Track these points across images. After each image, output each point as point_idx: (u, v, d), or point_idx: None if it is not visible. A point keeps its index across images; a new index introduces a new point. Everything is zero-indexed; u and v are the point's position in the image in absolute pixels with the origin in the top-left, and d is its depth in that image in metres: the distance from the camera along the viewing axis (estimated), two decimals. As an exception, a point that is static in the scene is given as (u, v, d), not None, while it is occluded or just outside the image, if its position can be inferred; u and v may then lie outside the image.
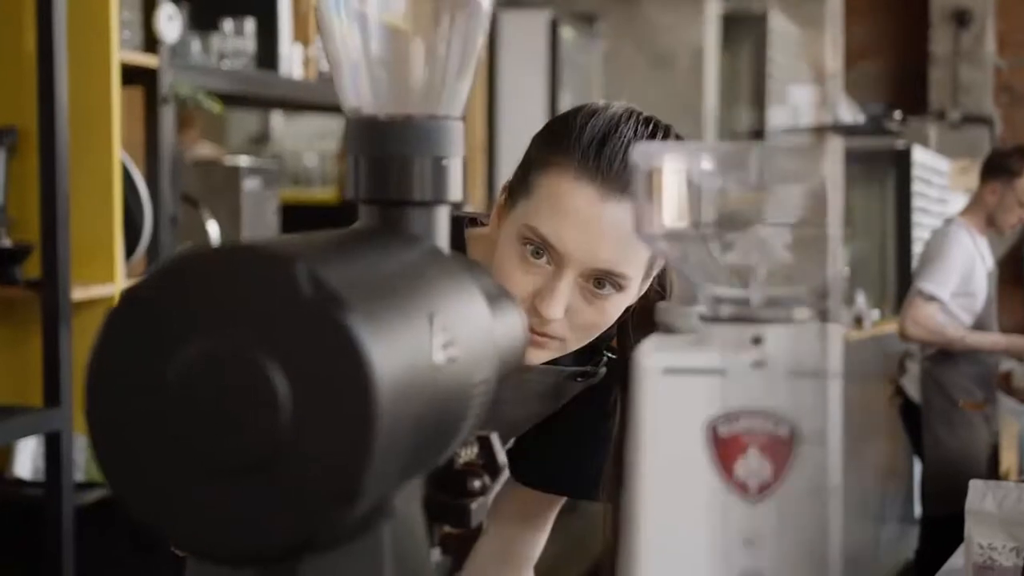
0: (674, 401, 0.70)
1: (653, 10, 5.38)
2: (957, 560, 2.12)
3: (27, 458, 2.58)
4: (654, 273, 1.32)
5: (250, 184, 3.08)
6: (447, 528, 0.89)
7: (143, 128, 2.70)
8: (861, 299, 6.34)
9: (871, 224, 6.79)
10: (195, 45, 2.95)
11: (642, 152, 0.71)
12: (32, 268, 2.39)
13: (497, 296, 0.87)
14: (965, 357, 4.39)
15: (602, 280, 1.24)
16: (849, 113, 5.89)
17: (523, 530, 1.54)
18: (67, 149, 2.37)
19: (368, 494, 0.62)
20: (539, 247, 1.24)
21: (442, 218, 0.82)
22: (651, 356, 0.70)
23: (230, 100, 3.34)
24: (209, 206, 3.06)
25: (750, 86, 7.26)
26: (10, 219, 2.43)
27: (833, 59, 5.69)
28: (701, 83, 5.59)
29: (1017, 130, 9.64)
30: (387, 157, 0.80)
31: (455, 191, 0.82)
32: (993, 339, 4.53)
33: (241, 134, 5.56)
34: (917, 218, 7.10)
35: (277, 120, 5.49)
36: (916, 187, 7.02)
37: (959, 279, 4.33)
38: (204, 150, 4.33)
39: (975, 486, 2.03)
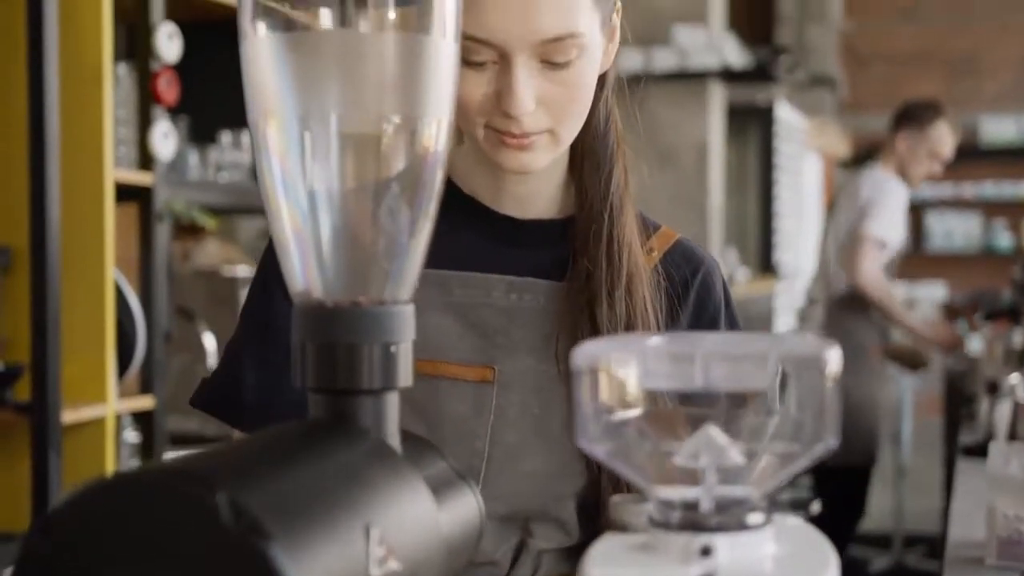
0: (619, 616, 0.67)
1: (658, 107, 5.41)
2: (976, 532, 1.92)
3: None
4: (614, 17, 1.20)
5: (248, 295, 3.07)
6: None
7: (138, 244, 2.69)
8: (732, 256, 6.28)
9: (734, 180, 6.78)
10: (192, 158, 2.96)
11: (583, 353, 0.69)
12: (23, 390, 2.38)
13: (447, 482, 0.85)
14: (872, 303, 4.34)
15: (556, 51, 1.11)
16: (735, 56, 5.79)
17: None
18: (58, 270, 2.36)
19: None
20: (473, 49, 1.11)
21: (392, 405, 0.80)
22: (596, 568, 0.67)
23: (228, 210, 3.35)
24: (208, 316, 3.05)
25: (757, 176, 7.29)
26: (1, 340, 2.42)
27: None
28: (706, 179, 5.60)
29: (860, 93, 9.74)
30: (335, 345, 0.78)
31: (405, 376, 0.80)
32: (923, 326, 4.56)
33: (251, 230, 5.58)
34: (775, 175, 7.16)
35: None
36: (776, 144, 7.08)
37: (897, 226, 4.31)
38: (211, 248, 4.33)
39: (996, 449, 1.86)
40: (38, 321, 2.35)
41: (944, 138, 4.42)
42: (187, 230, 3.88)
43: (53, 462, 2.33)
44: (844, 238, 4.36)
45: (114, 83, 2.58)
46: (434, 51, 0.79)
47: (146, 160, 2.67)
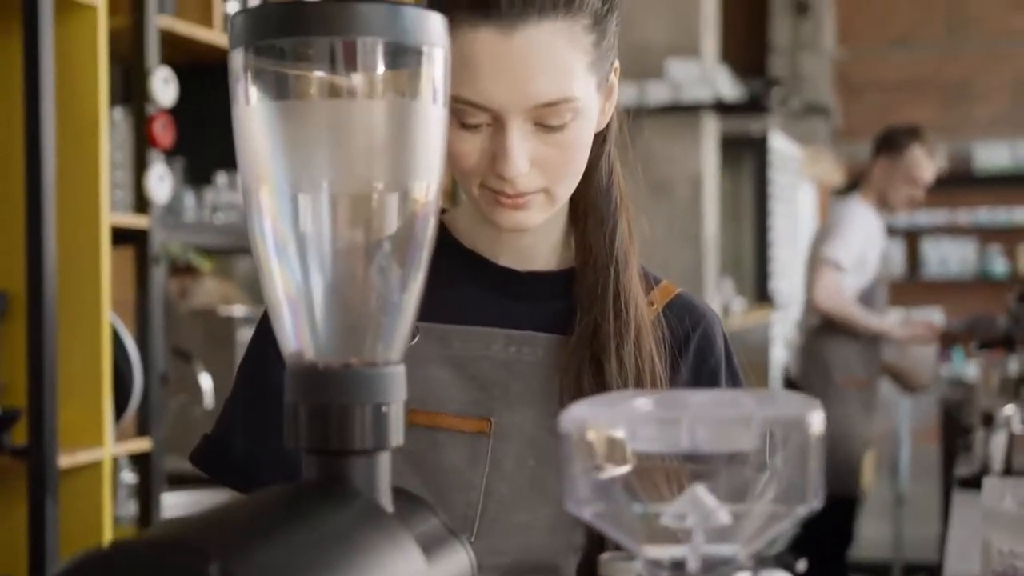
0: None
1: (652, 139, 5.42)
2: (972, 566, 1.94)
3: (13, 628, 2.54)
4: (611, 77, 1.20)
5: (245, 335, 3.08)
6: None
7: (134, 287, 2.70)
8: (728, 286, 6.31)
9: (728, 210, 6.80)
10: (189, 199, 2.97)
11: (571, 417, 0.70)
12: (19, 434, 2.38)
13: (439, 540, 0.86)
14: (848, 332, 4.31)
15: (550, 115, 1.12)
16: (728, 89, 5.84)
17: None
18: (55, 314, 2.37)
19: None
20: (468, 112, 1.12)
21: (383, 464, 0.81)
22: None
23: (225, 251, 3.37)
24: (205, 357, 3.06)
25: (752, 205, 7.32)
26: (-1, 385, 2.43)
27: (708, 32, 5.63)
28: (701, 210, 5.62)
29: (854, 120, 9.83)
30: (327, 406, 0.79)
31: (396, 436, 0.81)
32: (893, 328, 4.49)
33: (249, 267, 5.59)
34: (770, 205, 7.20)
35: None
36: (771, 173, 7.12)
37: (858, 250, 4.29)
38: (209, 286, 4.34)
39: (990, 484, 1.87)
40: (35, 366, 2.36)
41: (919, 162, 4.39)
42: (185, 268, 3.89)
43: (50, 506, 2.33)
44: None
45: (110, 128, 2.59)
46: (424, 116, 0.80)
47: (142, 203, 2.68)
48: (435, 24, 0.79)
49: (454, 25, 1.10)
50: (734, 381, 1.31)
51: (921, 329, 4.62)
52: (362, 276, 0.82)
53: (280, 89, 0.79)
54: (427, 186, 0.82)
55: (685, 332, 1.28)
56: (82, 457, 2.47)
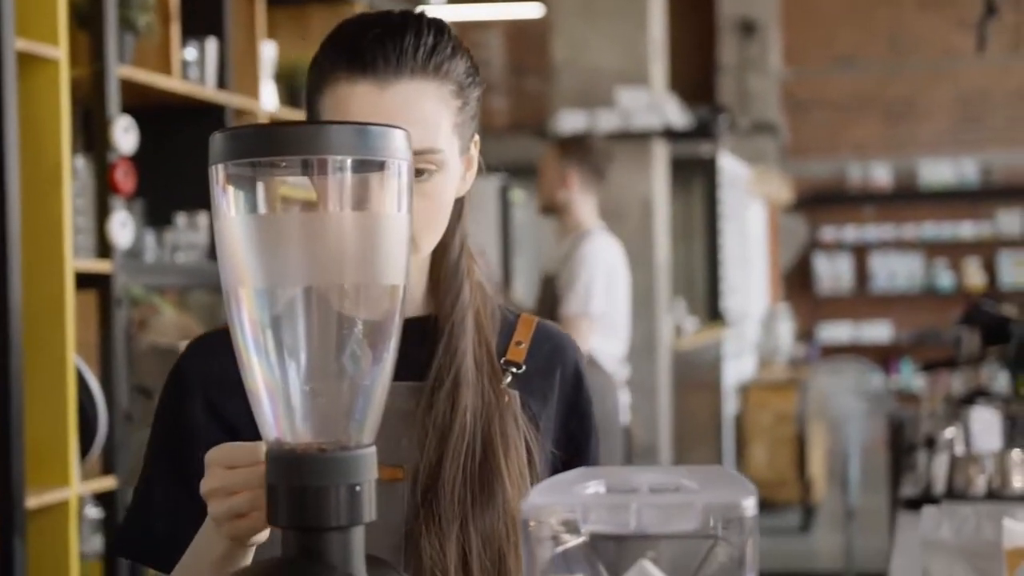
0: None
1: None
2: None
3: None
4: (472, 149, 1.28)
5: (205, 370, 3.13)
6: None
7: (97, 329, 2.75)
8: (681, 307, 6.41)
9: (680, 231, 6.90)
10: (150, 240, 3.03)
11: (530, 504, 0.78)
12: (-15, 478, 2.43)
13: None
14: None
15: (416, 162, 1.13)
16: (676, 116, 5.89)
17: None
18: (21, 359, 2.42)
19: None
20: None
21: (358, 538, 0.88)
22: None
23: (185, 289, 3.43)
24: (165, 392, 3.10)
25: (703, 225, 7.44)
26: (-35, 429, 2.47)
27: (657, 60, 5.63)
28: (652, 234, 5.71)
29: (802, 137, 10.05)
30: (304, 488, 0.86)
31: (369, 511, 0.88)
32: None
33: (206, 296, 5.60)
34: (720, 224, 7.37)
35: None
36: (720, 193, 7.29)
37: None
38: (168, 317, 4.35)
39: (929, 513, 1.94)
40: (2, 409, 2.41)
41: None
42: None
43: (18, 546, 2.38)
44: None
45: (72, 176, 2.65)
46: (389, 222, 0.88)
47: (104, 248, 2.74)
48: (398, 140, 0.87)
49: (334, 79, 1.21)
50: (589, 409, 1.38)
51: None
52: (335, 366, 0.90)
53: (257, 202, 0.87)
54: (393, 281, 0.90)
55: (554, 358, 1.36)
56: (49, 497, 2.52)
